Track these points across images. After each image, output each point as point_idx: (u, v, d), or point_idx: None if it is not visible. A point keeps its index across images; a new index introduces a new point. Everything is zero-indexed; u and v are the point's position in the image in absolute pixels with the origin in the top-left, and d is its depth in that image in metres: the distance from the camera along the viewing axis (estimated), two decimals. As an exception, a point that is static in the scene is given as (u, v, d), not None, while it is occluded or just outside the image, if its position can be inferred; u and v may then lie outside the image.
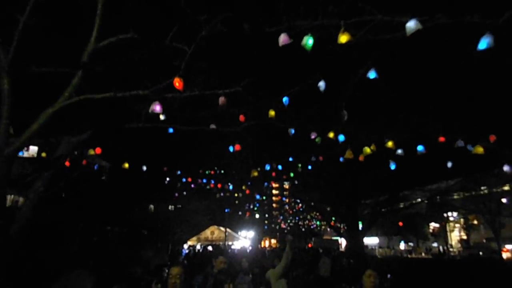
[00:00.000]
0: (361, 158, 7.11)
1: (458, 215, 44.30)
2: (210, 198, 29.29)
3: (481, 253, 34.18)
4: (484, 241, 41.96)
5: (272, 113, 6.16)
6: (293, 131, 7.06)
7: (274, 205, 60.25)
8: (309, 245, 40.06)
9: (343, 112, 5.60)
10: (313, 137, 7.23)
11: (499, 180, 24.15)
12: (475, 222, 42.35)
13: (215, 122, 6.83)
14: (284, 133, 6.96)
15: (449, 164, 9.19)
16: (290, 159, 11.73)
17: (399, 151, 6.45)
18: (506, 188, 28.55)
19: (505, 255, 30.69)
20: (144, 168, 13.97)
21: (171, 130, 7.06)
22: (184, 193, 17.15)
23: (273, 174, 12.67)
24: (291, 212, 41.51)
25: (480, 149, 5.46)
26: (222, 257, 4.82)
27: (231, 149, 7.47)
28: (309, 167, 12.24)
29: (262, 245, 47.84)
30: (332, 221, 18.78)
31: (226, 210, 25.15)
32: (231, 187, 14.38)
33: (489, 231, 33.80)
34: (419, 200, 20.44)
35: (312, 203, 18.15)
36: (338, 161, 9.78)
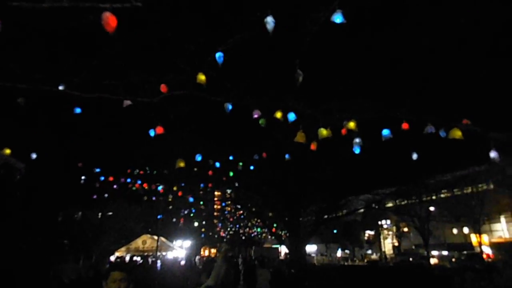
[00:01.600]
0: (313, 146, 5.89)
1: (391, 223, 46.84)
2: (141, 203, 27.05)
3: (411, 259, 35.94)
4: (413, 247, 44.54)
5: (201, 77, 4.68)
6: (230, 106, 5.48)
7: (215, 213, 58.55)
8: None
9: (298, 72, 4.31)
10: (255, 116, 5.61)
11: (428, 189, 25.64)
12: (406, 229, 44.77)
13: (126, 93, 5.15)
14: (220, 110, 5.44)
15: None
16: (231, 157, 10.36)
17: (357, 140, 5.30)
18: (434, 197, 30.37)
19: (432, 261, 32.50)
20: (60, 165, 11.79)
21: (78, 110, 5.40)
22: (106, 195, 14.91)
23: (210, 172, 11.15)
24: (231, 219, 39.98)
25: (457, 133, 4.60)
26: (117, 273, 3.23)
27: (151, 133, 5.72)
28: (251, 167, 10.95)
29: (202, 255, 45.45)
30: (274, 228, 17.68)
31: (158, 217, 23.02)
32: (160, 187, 12.54)
33: (418, 238, 35.66)
34: (359, 208, 20.68)
35: (254, 209, 16.86)
36: (283, 159, 8.66)
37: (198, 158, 7.21)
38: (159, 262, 19.08)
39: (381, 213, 42.76)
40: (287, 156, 8.09)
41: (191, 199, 13.11)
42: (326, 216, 15.95)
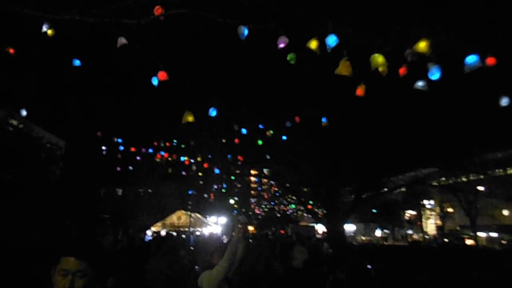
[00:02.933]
0: (360, 90, 4.47)
1: (435, 202, 44.94)
2: (176, 180, 27.22)
3: (455, 240, 34.42)
4: (458, 228, 42.51)
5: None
6: (245, 30, 4.15)
7: (252, 191, 58.81)
8: (282, 232, 38.54)
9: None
10: (281, 45, 4.09)
11: (477, 167, 23.78)
12: (450, 210, 42.90)
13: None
14: (234, 40, 4.16)
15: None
16: (260, 126, 9.48)
17: (432, 65, 3.68)
18: (483, 176, 28.16)
19: (479, 243, 30.91)
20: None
21: (77, 63, 4.75)
22: (130, 168, 14.69)
23: (236, 140, 10.34)
24: (266, 196, 39.52)
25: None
26: (72, 260, 2.57)
27: (154, 81, 4.64)
28: (283, 137, 10.04)
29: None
30: (310, 205, 16.80)
31: (189, 192, 22.91)
32: (182, 158, 11.95)
33: (463, 218, 33.92)
34: (401, 185, 19.50)
35: (288, 185, 15.98)
36: (319, 127, 7.67)
37: (212, 113, 5.92)
38: (191, 237, 19.01)
39: (424, 192, 41.25)
40: (323, 119, 7.03)
41: (216, 171, 12.37)
42: (365, 195, 14.84)
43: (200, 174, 14.59)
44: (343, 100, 9.08)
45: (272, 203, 40.82)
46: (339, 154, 12.31)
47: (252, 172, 16.19)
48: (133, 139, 11.88)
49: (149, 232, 22.91)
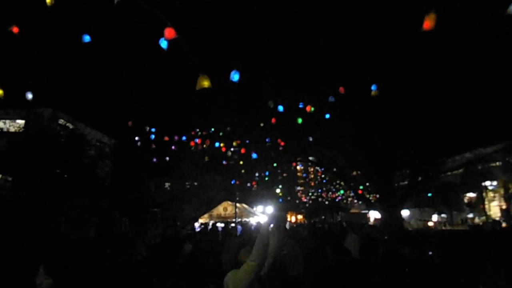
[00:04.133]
0: (428, 22, 3.57)
1: (498, 184, 41.70)
2: (222, 172, 27.18)
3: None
4: (525, 210, 39.08)
5: None
6: None
7: (298, 179, 57.84)
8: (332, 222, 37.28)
9: None
10: None
11: None
12: (516, 191, 39.63)
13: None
14: None
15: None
16: (302, 104, 8.55)
17: None
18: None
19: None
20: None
21: (87, 39, 4.30)
22: (167, 158, 14.46)
23: (273, 120, 9.50)
24: (312, 184, 38.35)
25: None
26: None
27: (163, 44, 3.84)
28: (327, 116, 9.07)
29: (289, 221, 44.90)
30: (360, 190, 15.56)
31: (232, 182, 22.59)
32: (217, 144, 11.41)
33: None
34: (459, 166, 17.61)
35: (335, 169, 14.89)
36: (367, 100, 6.69)
37: (235, 77, 4.86)
38: (239, 227, 18.67)
39: (485, 172, 38.25)
40: (373, 87, 6.05)
41: (254, 155, 11.66)
42: (422, 177, 13.40)
43: (241, 162, 14.08)
44: (396, 63, 7.95)
45: (319, 190, 39.46)
46: (391, 133, 11.07)
47: (295, 158, 15.31)
48: (167, 129, 11.63)
49: (196, 224, 23.06)
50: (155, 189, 30.98)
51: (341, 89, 7.48)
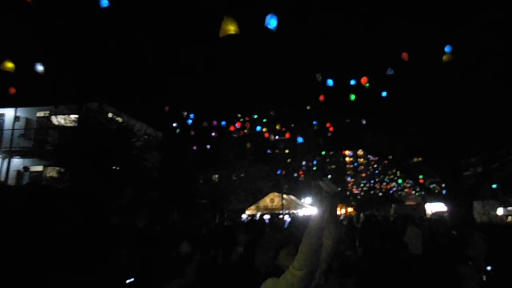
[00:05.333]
0: None
1: None
2: (268, 162, 26.56)
3: None
4: None
5: None
6: None
7: (348, 171, 55.73)
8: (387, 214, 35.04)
9: None
10: None
11: None
12: None
13: None
14: None
15: None
16: (354, 81, 7.36)
17: None
18: None
19: None
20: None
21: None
22: (208, 146, 13.89)
23: (321, 97, 8.36)
24: (364, 175, 36.25)
25: None
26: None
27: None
28: (384, 94, 7.85)
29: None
30: (421, 179, 13.87)
31: (277, 172, 21.72)
32: (258, 128, 10.50)
33: None
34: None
35: (390, 157, 13.33)
36: (433, 72, 5.50)
37: (272, 22, 4.03)
38: (287, 218, 17.91)
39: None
40: (447, 49, 4.88)
41: (300, 139, 10.63)
42: (496, 165, 11.53)
43: (286, 151, 13.18)
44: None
45: (372, 181, 37.21)
46: (463, 111, 9.49)
47: (346, 144, 14.00)
48: (207, 115, 11.03)
49: (244, 216, 22.71)
50: (204, 181, 31.22)
51: (405, 55, 6.24)
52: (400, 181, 23.43)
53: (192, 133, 11.56)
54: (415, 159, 13.30)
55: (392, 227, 11.07)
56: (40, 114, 24.75)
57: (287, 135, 10.70)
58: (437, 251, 9.94)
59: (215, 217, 24.19)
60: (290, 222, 17.90)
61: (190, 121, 10.85)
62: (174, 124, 11.46)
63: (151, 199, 21.56)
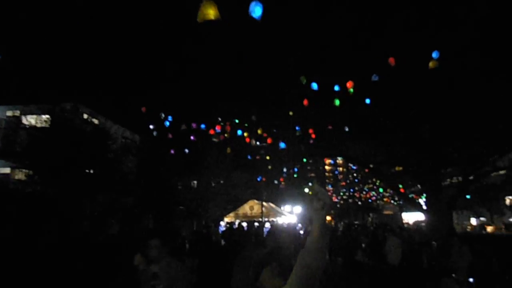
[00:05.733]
0: None
1: None
2: (247, 170, 26.24)
3: None
4: None
5: None
6: None
7: (328, 178, 56.01)
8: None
9: None
10: None
11: None
12: None
13: None
14: None
15: None
16: (338, 87, 7.19)
17: None
18: None
19: None
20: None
21: None
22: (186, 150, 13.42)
23: (305, 102, 8.13)
24: (343, 184, 36.42)
25: None
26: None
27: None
28: (367, 101, 7.72)
29: None
30: (402, 189, 13.87)
31: (258, 179, 21.39)
32: (239, 132, 10.17)
33: None
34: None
35: (371, 166, 13.28)
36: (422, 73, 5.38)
37: (256, 11, 3.56)
38: (266, 226, 17.56)
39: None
40: (434, 54, 4.73)
41: (282, 145, 10.36)
42: (473, 177, 11.62)
43: (267, 157, 12.91)
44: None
45: (351, 190, 37.40)
46: (445, 123, 9.49)
47: (328, 152, 13.82)
48: (185, 118, 10.60)
49: (222, 223, 22.21)
50: (181, 187, 30.50)
51: (391, 60, 6.10)
52: (381, 190, 23.50)
53: (170, 136, 11.09)
54: (396, 168, 13.31)
55: (373, 237, 10.93)
56: (10, 113, 23.58)
57: (269, 141, 10.44)
58: (418, 262, 9.87)
59: (192, 224, 23.54)
60: (269, 230, 17.54)
61: (167, 123, 10.36)
62: (151, 126, 10.92)
63: (125, 205, 20.80)
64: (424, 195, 11.34)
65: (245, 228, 17.47)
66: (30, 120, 18.71)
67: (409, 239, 11.51)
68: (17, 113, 22.56)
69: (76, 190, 16.00)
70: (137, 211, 22.61)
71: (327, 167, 73.03)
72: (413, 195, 15.80)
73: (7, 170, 21.68)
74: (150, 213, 25.54)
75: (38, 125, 18.47)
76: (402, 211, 42.52)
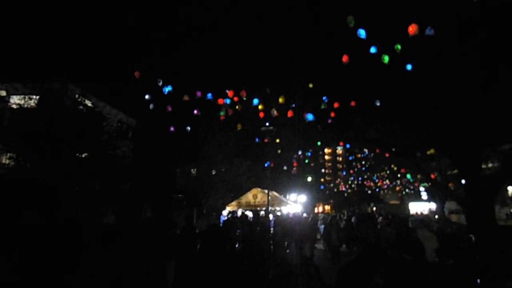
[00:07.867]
0: None
1: None
2: (250, 157, 24.95)
3: None
4: None
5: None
6: None
7: (326, 171, 54.82)
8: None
9: None
10: None
11: None
12: None
13: None
14: None
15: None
16: (375, 48, 5.76)
17: None
18: None
19: None
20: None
21: None
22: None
23: (345, 58, 6.66)
24: (351, 172, 35.02)
25: None
26: None
27: None
28: (409, 67, 6.29)
29: (316, 212, 41.81)
30: (433, 174, 12.42)
31: (266, 165, 19.92)
32: (255, 101, 8.67)
33: None
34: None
35: (394, 149, 11.74)
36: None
37: None
38: (271, 216, 16.30)
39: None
40: None
41: (309, 116, 8.80)
42: None
43: (277, 141, 11.50)
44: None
45: (360, 178, 35.89)
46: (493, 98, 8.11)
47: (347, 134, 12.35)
48: (190, 87, 9.05)
49: (224, 212, 20.97)
50: (180, 174, 29.26)
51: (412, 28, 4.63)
52: (408, 176, 22.01)
53: (169, 109, 9.58)
54: (428, 152, 11.87)
55: (402, 229, 9.62)
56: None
57: (290, 113, 9.01)
58: (460, 260, 8.54)
59: (192, 213, 22.26)
60: (274, 222, 16.34)
61: (166, 91, 8.77)
62: (147, 96, 9.35)
63: (121, 192, 19.49)
64: (463, 180, 9.96)
65: (250, 219, 16.24)
66: (17, 100, 17.27)
67: (438, 232, 10.28)
68: (3, 93, 21.09)
69: (66, 174, 14.63)
70: (133, 199, 21.36)
71: (326, 157, 71.77)
72: (447, 181, 14.41)
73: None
74: (147, 202, 24.25)
75: (26, 106, 17.05)
76: (405, 201, 41.44)
